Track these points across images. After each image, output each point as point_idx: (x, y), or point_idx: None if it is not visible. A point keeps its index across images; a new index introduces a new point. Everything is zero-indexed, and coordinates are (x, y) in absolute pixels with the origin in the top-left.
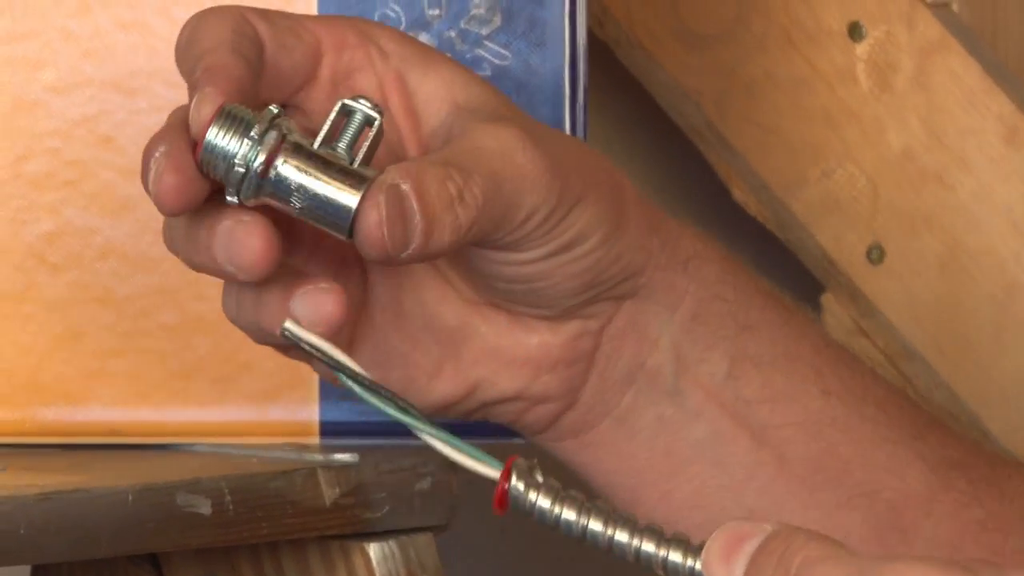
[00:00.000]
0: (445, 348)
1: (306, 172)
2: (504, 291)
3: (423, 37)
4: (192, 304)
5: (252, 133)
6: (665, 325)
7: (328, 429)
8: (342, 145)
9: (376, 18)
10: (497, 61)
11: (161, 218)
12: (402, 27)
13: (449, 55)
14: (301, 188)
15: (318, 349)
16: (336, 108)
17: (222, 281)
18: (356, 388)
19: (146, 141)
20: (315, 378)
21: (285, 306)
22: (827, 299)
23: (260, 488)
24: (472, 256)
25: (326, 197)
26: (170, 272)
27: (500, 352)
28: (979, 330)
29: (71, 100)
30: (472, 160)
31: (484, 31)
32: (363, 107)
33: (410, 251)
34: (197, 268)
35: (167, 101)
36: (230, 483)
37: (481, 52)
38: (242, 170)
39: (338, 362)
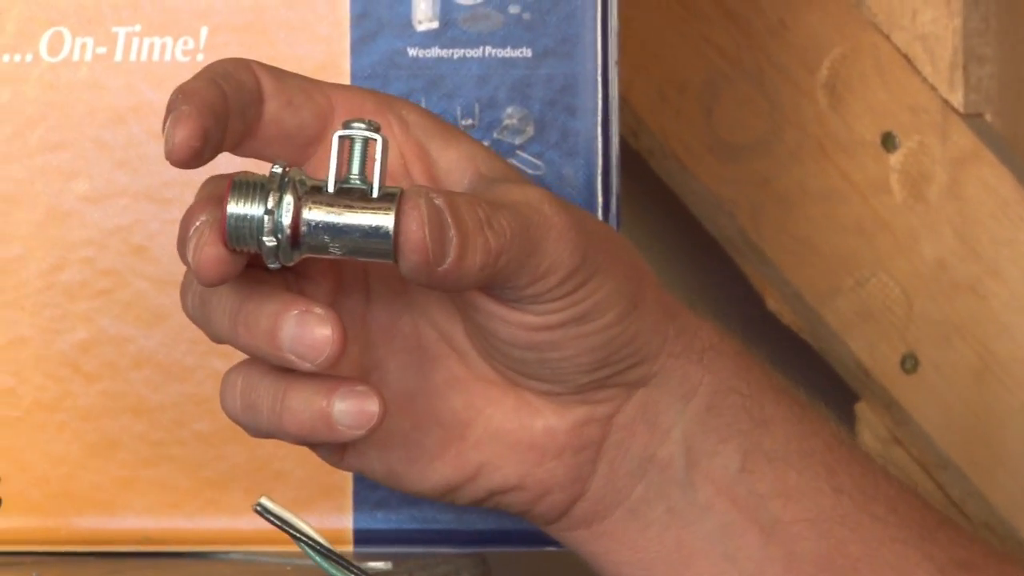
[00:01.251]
0: (449, 430)
1: (333, 214)
2: (517, 360)
3: None
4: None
5: (269, 201)
6: (678, 416)
7: (361, 537)
8: (354, 175)
9: None
10: (530, 171)
11: (195, 327)
12: None
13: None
14: (334, 230)
15: (292, 527)
16: (334, 143)
17: None
18: (319, 560)
19: None
20: (348, 487)
21: (321, 406)
22: (861, 408)
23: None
24: (490, 318)
25: (361, 227)
26: (204, 381)
27: (504, 436)
28: (1013, 439)
29: (105, 210)
30: (499, 200)
31: (517, 141)
32: (359, 131)
33: (447, 264)
34: (241, 347)
35: None
36: None
37: (514, 162)
38: (274, 242)
39: (309, 537)
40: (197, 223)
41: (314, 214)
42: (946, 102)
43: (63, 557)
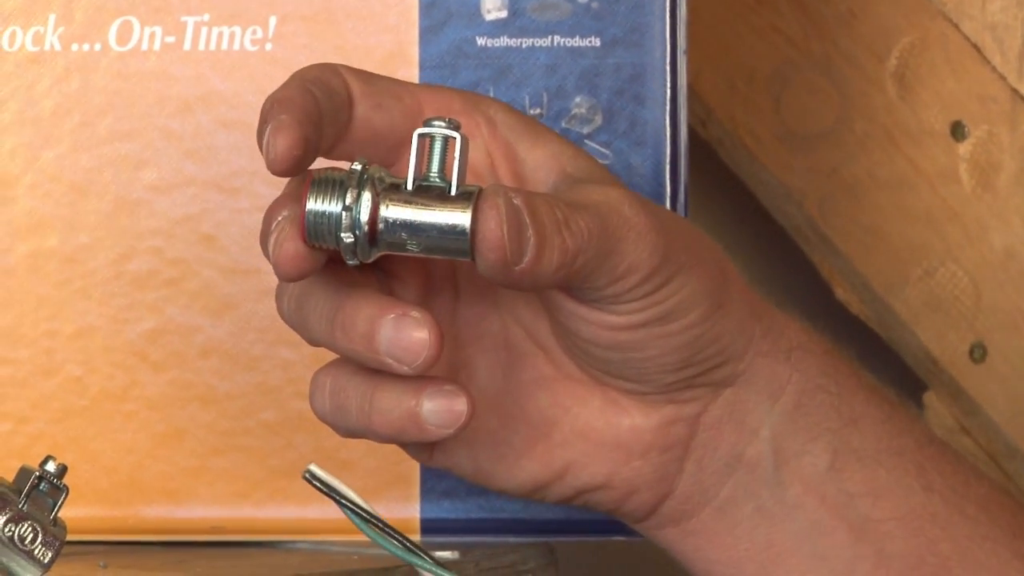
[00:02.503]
0: (535, 428)
1: (411, 211)
2: (601, 360)
3: None
4: (293, 402)
5: (347, 197)
6: (766, 415)
7: (429, 526)
8: (434, 173)
9: None
10: (598, 160)
11: (263, 316)
12: None
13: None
14: (411, 228)
15: (339, 494)
16: (414, 141)
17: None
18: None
19: (248, 240)
20: (416, 476)
21: (410, 406)
22: (929, 397)
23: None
24: (572, 318)
25: (438, 225)
26: (271, 371)
27: (591, 434)
28: None
29: (173, 199)
30: (579, 201)
31: (585, 130)
32: (439, 129)
33: (524, 263)
34: (338, 350)
35: (268, 200)
36: None
37: None
38: (351, 239)
39: (357, 507)
40: (278, 218)
41: (391, 211)
42: (1015, 91)
43: (131, 547)
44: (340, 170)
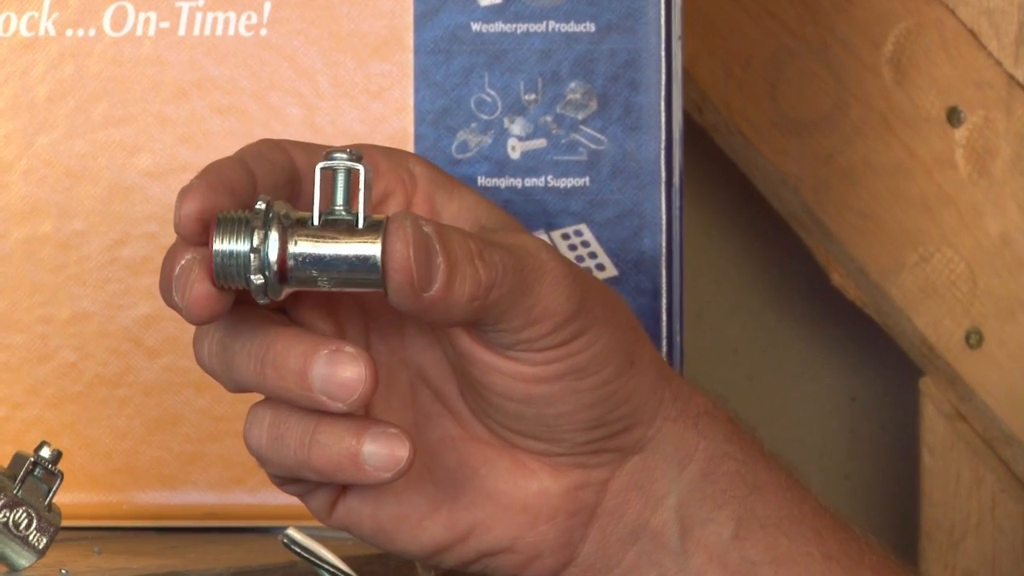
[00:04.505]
0: (442, 489)
1: (320, 246)
2: (513, 416)
3: (519, 122)
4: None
5: (255, 238)
6: (673, 483)
7: None
8: (338, 206)
9: (472, 103)
10: (593, 146)
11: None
12: (498, 112)
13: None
14: (321, 263)
15: (319, 557)
16: (317, 174)
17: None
18: None
19: None
20: None
21: (351, 445)
22: (925, 383)
23: (356, 572)
24: (487, 371)
25: (348, 258)
26: None
27: (498, 496)
28: None
29: (168, 185)
30: (495, 240)
31: (580, 116)
32: (341, 162)
33: (434, 291)
34: (268, 390)
35: None
36: None
37: (577, 137)
38: (261, 280)
39: (337, 569)
40: (183, 261)
41: (300, 247)
42: (1011, 77)
43: (125, 532)
44: (242, 212)
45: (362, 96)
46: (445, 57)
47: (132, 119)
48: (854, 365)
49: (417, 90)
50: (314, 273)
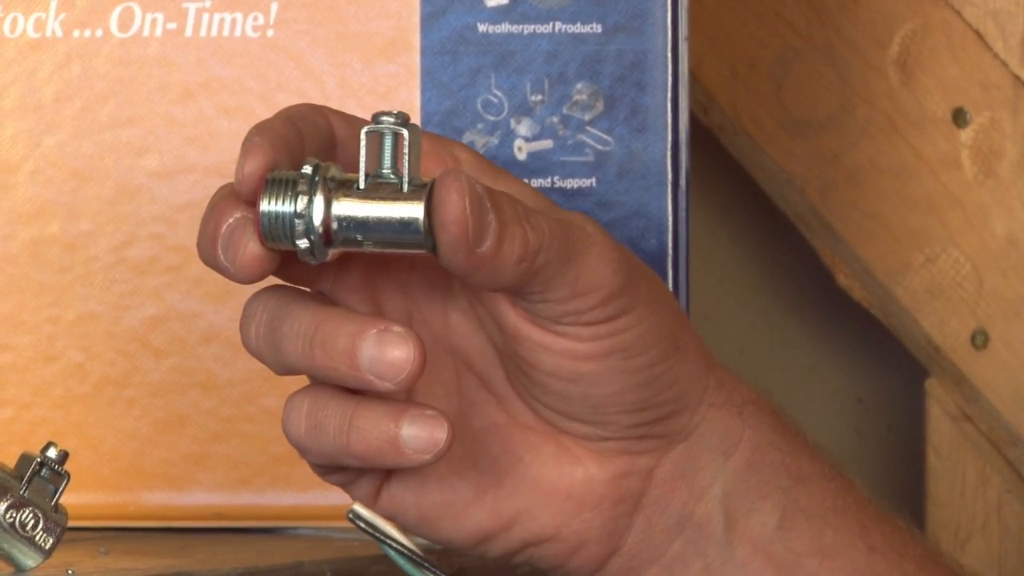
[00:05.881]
0: (486, 476)
1: (364, 208)
2: (560, 396)
3: (525, 122)
4: (294, 388)
5: (300, 202)
6: (719, 472)
7: None
8: (386, 169)
9: (479, 104)
10: (599, 147)
11: None
12: (504, 113)
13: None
14: (365, 225)
15: (383, 533)
16: (362, 139)
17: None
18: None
19: None
20: None
21: (390, 428)
22: (931, 384)
23: (362, 572)
24: (535, 348)
25: (392, 220)
26: None
27: (543, 484)
28: None
29: (174, 186)
30: (541, 211)
31: (586, 117)
32: (387, 125)
33: (485, 248)
34: (316, 371)
35: None
36: (333, 567)
37: (583, 137)
38: (306, 243)
39: (401, 545)
40: (230, 220)
41: (344, 210)
42: (1017, 78)
43: (132, 533)
44: (290, 172)
45: (369, 97)
46: (452, 58)
47: (139, 120)
48: (860, 366)
49: (424, 91)
50: (359, 236)
